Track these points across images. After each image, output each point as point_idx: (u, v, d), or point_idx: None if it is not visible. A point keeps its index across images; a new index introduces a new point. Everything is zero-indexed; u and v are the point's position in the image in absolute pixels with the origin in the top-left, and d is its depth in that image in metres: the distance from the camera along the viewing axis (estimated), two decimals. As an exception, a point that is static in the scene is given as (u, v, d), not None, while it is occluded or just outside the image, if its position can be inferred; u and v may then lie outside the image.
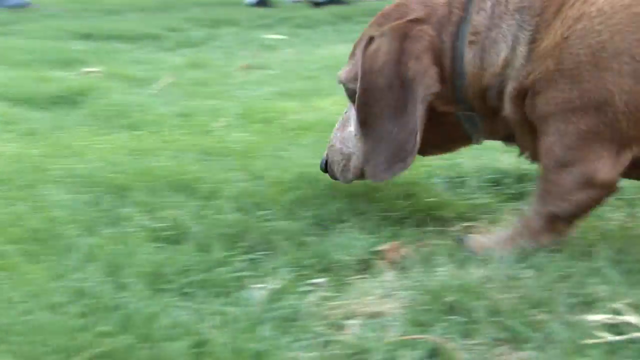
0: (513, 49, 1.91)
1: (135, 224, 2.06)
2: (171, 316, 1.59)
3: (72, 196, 2.22)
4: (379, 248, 2.00)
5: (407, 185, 2.41)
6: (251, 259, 1.94)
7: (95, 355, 1.45)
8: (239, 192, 2.28)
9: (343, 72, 2.17)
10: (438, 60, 2.00)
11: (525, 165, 2.39)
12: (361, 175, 2.18)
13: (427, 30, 2.00)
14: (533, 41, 1.89)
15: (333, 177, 2.26)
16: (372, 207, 2.26)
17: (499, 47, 1.93)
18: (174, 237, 2.03)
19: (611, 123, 1.80)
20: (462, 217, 2.24)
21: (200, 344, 1.50)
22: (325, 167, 2.27)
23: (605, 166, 1.84)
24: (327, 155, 2.26)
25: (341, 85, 2.19)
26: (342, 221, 2.16)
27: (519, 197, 2.37)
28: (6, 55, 4.97)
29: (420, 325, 1.59)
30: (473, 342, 1.53)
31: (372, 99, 2.03)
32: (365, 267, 1.94)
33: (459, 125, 2.09)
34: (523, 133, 1.98)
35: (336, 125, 2.27)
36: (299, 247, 2.00)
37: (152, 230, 2.03)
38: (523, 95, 1.91)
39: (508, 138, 2.10)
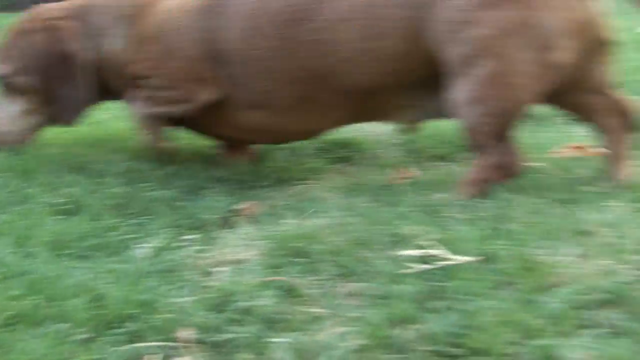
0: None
1: (40, 201, 1.87)
2: (72, 277, 1.43)
3: (-16, 181, 2.00)
4: (237, 207, 1.88)
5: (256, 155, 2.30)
6: (137, 223, 1.78)
7: (8, 317, 1.28)
8: (125, 170, 2.11)
9: (3, 70, 2.26)
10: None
11: (349, 134, 2.34)
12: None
13: (69, 24, 2.19)
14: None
15: None
16: (230, 175, 2.13)
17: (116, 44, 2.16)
18: (72, 210, 1.84)
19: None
20: (298, 179, 2.13)
21: (97, 299, 1.34)
22: None
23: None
24: None
25: None
26: (207, 187, 2.03)
27: (344, 160, 2.29)
28: None
29: (275, 268, 1.48)
30: (316, 278, 1.43)
31: (46, 75, 2.19)
32: (227, 223, 1.82)
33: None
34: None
35: None
36: (175, 211, 1.86)
37: (54, 205, 1.84)
38: None
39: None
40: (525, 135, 2.35)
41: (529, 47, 1.70)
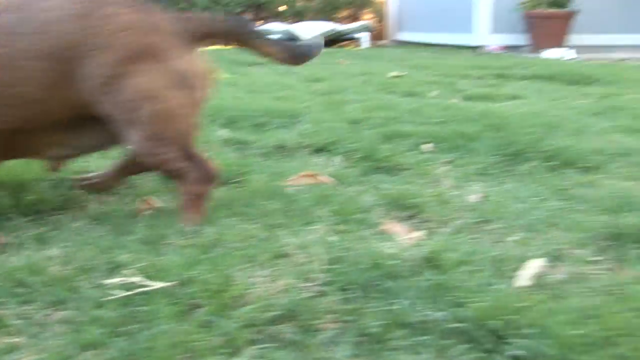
0: None
1: None
2: None
3: None
4: (-17, 239, 1.81)
5: (17, 187, 2.21)
6: None
7: None
8: None
9: None
10: None
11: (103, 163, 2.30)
12: None
13: None
14: None
15: None
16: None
17: None
18: None
19: None
20: (57, 209, 2.08)
21: None
22: None
23: None
24: None
25: None
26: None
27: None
28: None
29: (-16, 300, 1.43)
30: (28, 308, 1.40)
31: None
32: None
33: None
34: None
35: None
36: None
37: None
38: None
39: None
40: (270, 166, 2.43)
41: (178, 88, 1.82)
